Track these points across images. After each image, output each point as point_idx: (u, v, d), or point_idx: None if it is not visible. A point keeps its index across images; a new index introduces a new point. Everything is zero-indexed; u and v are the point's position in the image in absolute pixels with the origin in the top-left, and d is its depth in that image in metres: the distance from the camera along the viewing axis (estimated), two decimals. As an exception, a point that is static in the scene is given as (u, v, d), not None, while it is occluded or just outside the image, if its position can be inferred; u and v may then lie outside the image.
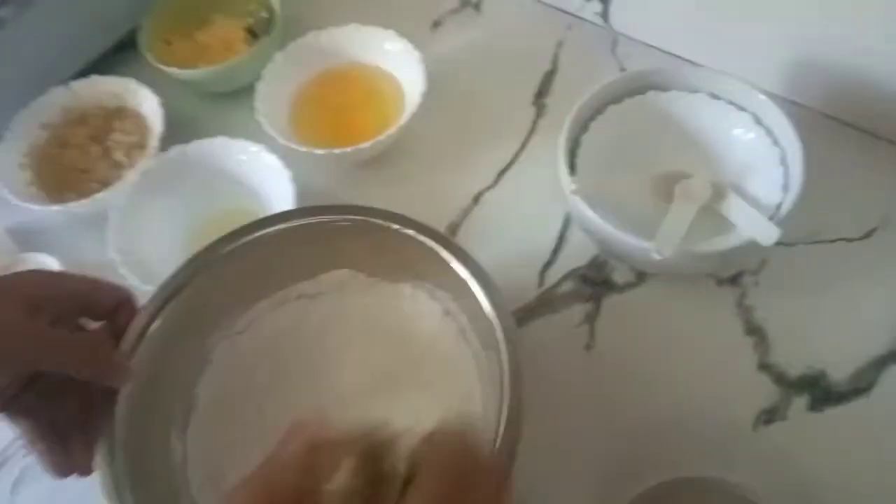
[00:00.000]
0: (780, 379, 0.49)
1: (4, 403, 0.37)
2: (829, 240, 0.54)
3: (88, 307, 0.40)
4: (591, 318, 0.53)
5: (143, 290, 0.50)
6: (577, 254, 0.56)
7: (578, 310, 0.53)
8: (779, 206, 0.48)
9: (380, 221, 0.45)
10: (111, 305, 0.41)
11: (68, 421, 0.39)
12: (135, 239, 0.53)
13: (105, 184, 0.57)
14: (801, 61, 0.57)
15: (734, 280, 0.53)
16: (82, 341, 0.39)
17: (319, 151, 0.55)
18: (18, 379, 0.37)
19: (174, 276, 0.45)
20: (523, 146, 0.62)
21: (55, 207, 0.55)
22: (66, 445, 0.38)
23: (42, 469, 0.38)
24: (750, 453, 0.46)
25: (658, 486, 0.41)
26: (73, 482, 0.49)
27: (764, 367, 0.49)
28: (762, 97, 0.51)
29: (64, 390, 0.39)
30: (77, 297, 0.39)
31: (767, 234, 0.45)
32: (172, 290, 0.44)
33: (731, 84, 0.53)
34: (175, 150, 0.56)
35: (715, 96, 0.54)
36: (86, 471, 0.38)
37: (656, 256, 0.45)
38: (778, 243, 0.53)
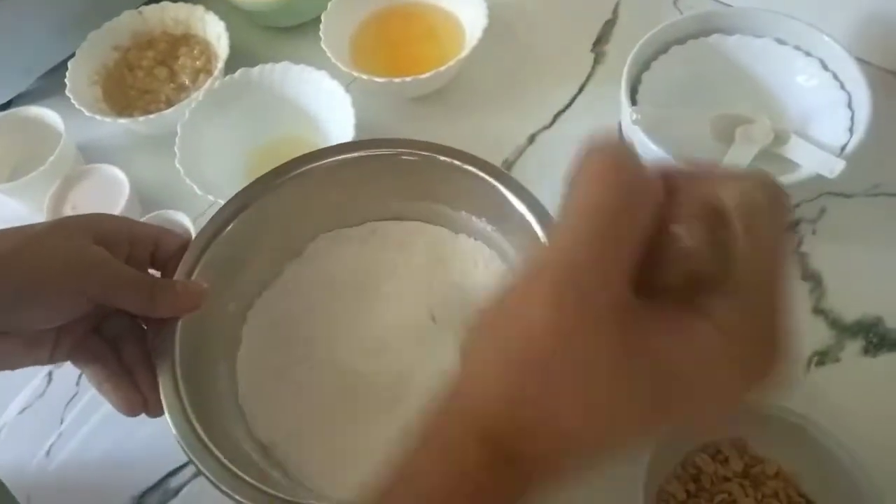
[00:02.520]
0: (834, 323, 0.48)
1: (72, 347, 0.38)
2: (890, 193, 0.53)
3: (155, 253, 0.40)
4: (642, 257, 0.52)
5: (206, 198, 0.51)
6: (631, 195, 0.55)
7: (630, 248, 0.53)
8: (843, 147, 0.47)
9: (442, 158, 0.46)
10: (173, 252, 0.41)
11: (132, 361, 0.39)
12: (198, 154, 0.55)
13: (170, 105, 0.59)
14: (870, 18, 0.56)
15: (791, 227, 0.53)
16: (156, 279, 0.40)
17: (379, 79, 0.56)
18: (87, 320, 0.38)
19: (235, 198, 0.45)
20: (581, 90, 0.62)
21: (122, 121, 0.57)
22: (133, 382, 0.38)
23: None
24: (800, 391, 0.45)
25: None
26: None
27: (818, 311, 0.49)
28: (828, 40, 0.50)
29: (125, 332, 0.39)
30: (146, 242, 0.40)
31: (832, 166, 0.44)
32: (233, 212, 0.44)
33: (798, 28, 0.52)
34: (240, 72, 0.57)
35: (781, 41, 0.53)
36: (156, 408, 0.38)
37: (717, 185, 0.45)
38: (837, 194, 0.53)
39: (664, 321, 0.22)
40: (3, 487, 0.42)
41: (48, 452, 0.50)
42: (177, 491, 0.47)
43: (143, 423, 0.48)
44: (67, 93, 0.59)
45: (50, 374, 0.53)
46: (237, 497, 0.35)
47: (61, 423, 0.51)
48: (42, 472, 0.49)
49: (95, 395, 0.51)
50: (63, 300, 0.35)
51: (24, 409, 0.52)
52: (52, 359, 0.38)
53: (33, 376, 0.53)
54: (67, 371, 0.53)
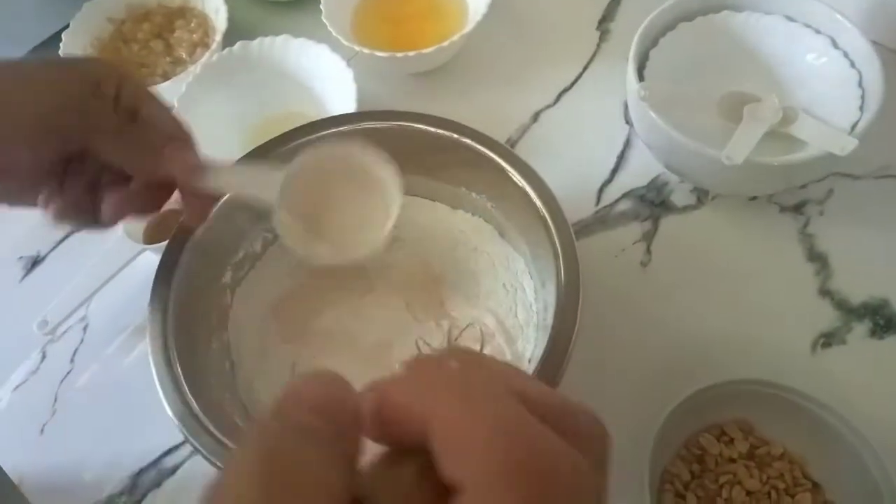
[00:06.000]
0: (841, 304, 0.48)
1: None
2: (898, 175, 0.53)
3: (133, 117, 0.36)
4: (648, 237, 0.52)
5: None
6: (637, 175, 0.55)
7: (635, 228, 0.52)
8: (854, 126, 0.46)
9: (439, 131, 0.45)
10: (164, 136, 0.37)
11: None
12: (195, 129, 0.53)
13: (167, 79, 0.58)
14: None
15: (798, 208, 0.52)
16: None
17: (381, 54, 0.55)
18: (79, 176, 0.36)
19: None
20: (586, 68, 0.61)
21: (118, 93, 0.56)
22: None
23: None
24: (806, 373, 0.45)
25: (710, 387, 0.41)
26: (130, 357, 0.51)
27: (825, 292, 0.48)
28: (839, 17, 0.49)
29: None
30: (128, 107, 0.35)
31: (843, 144, 0.43)
32: None
33: (808, 5, 0.51)
34: (238, 45, 0.56)
35: (790, 18, 0.52)
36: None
37: (726, 162, 0.44)
38: (845, 175, 0.53)
39: None
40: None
41: (42, 430, 0.49)
42: (173, 470, 0.46)
43: (138, 402, 0.48)
44: (61, 65, 0.57)
45: (44, 351, 0.52)
46: None
47: (55, 400, 0.50)
48: (36, 450, 0.48)
49: (91, 372, 0.51)
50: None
51: (17, 387, 0.51)
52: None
53: (27, 355, 0.52)
54: (61, 348, 0.52)
